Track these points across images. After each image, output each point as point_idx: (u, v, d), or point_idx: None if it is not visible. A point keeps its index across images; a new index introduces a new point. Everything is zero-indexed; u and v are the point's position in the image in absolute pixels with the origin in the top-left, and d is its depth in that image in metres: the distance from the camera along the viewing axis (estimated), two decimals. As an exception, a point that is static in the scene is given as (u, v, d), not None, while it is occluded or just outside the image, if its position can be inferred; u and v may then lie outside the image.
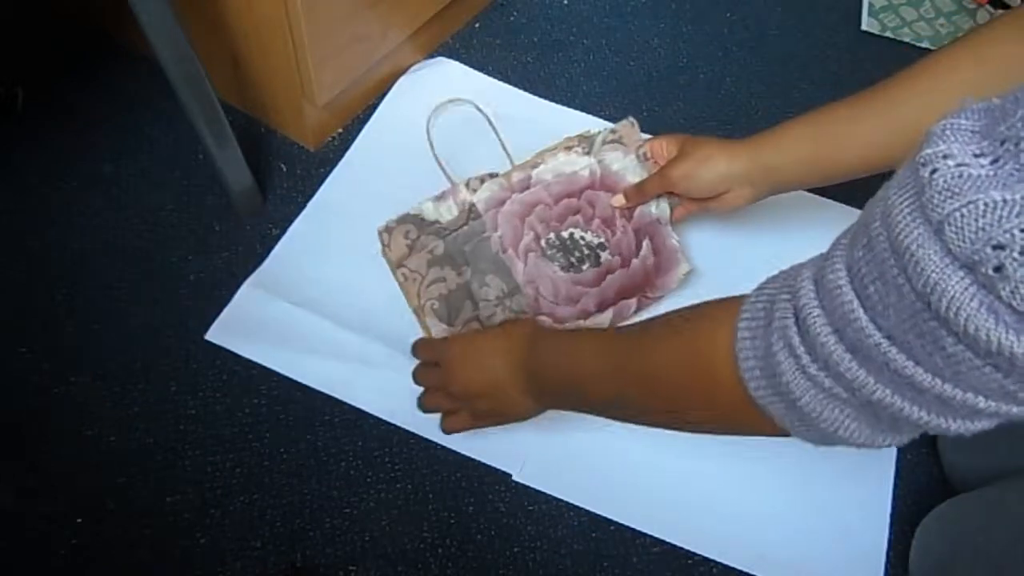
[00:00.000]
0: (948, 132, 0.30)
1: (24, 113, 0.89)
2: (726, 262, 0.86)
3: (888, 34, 1.10)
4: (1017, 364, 0.29)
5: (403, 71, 0.96)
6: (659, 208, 0.82)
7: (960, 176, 0.29)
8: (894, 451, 0.77)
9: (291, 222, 0.85)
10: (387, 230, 0.80)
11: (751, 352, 0.42)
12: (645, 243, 0.82)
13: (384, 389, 0.75)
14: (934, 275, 0.30)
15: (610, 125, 0.86)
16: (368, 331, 0.78)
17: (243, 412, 0.74)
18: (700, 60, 1.05)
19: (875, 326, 0.34)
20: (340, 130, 0.93)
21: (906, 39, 1.09)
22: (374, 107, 0.94)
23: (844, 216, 0.88)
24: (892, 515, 0.73)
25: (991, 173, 0.28)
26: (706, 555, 0.71)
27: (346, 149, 0.91)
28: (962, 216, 0.29)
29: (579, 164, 0.82)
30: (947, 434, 0.36)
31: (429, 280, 0.78)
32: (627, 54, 1.04)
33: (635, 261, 0.81)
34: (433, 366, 0.70)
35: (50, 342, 0.76)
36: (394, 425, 0.74)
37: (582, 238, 0.81)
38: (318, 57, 0.79)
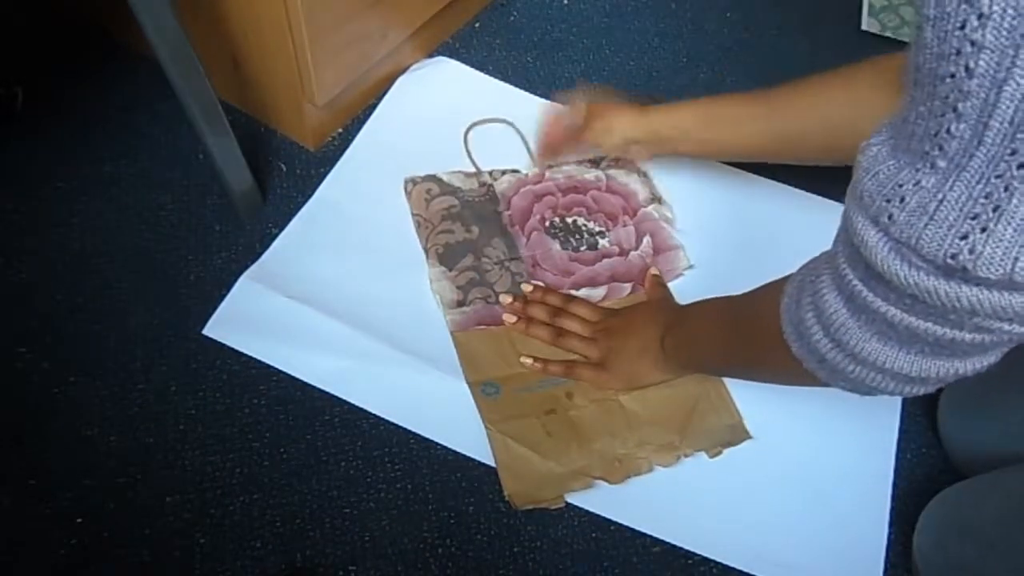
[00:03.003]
0: (873, 139, 0.40)
1: (24, 113, 0.89)
2: (726, 259, 0.86)
3: (888, 34, 1.10)
4: (921, 296, 0.39)
5: (403, 71, 0.96)
6: (660, 212, 0.88)
7: (875, 156, 0.39)
8: (893, 451, 0.77)
9: (291, 221, 0.85)
10: (412, 181, 0.87)
11: (789, 320, 0.51)
12: (646, 239, 0.86)
13: (381, 385, 0.75)
14: (860, 231, 0.40)
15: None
16: (366, 327, 0.78)
17: (243, 412, 0.74)
18: (700, 60, 1.04)
19: (860, 283, 0.43)
20: (340, 130, 0.93)
21: (906, 39, 1.09)
22: (374, 107, 0.94)
23: (838, 213, 0.89)
24: (892, 515, 0.73)
25: (888, 151, 0.39)
26: (706, 555, 0.71)
27: (346, 149, 0.91)
28: (868, 182, 0.39)
29: (588, 174, 0.91)
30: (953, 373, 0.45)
31: (439, 229, 0.84)
32: (627, 54, 1.04)
33: (633, 253, 0.86)
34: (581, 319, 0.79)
35: (50, 342, 0.76)
36: (394, 425, 0.74)
37: (584, 225, 0.87)
38: (318, 57, 0.79)
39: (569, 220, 0.87)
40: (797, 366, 0.51)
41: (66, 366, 0.75)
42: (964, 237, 0.35)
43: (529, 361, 0.77)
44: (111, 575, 0.67)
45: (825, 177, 0.97)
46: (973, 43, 0.31)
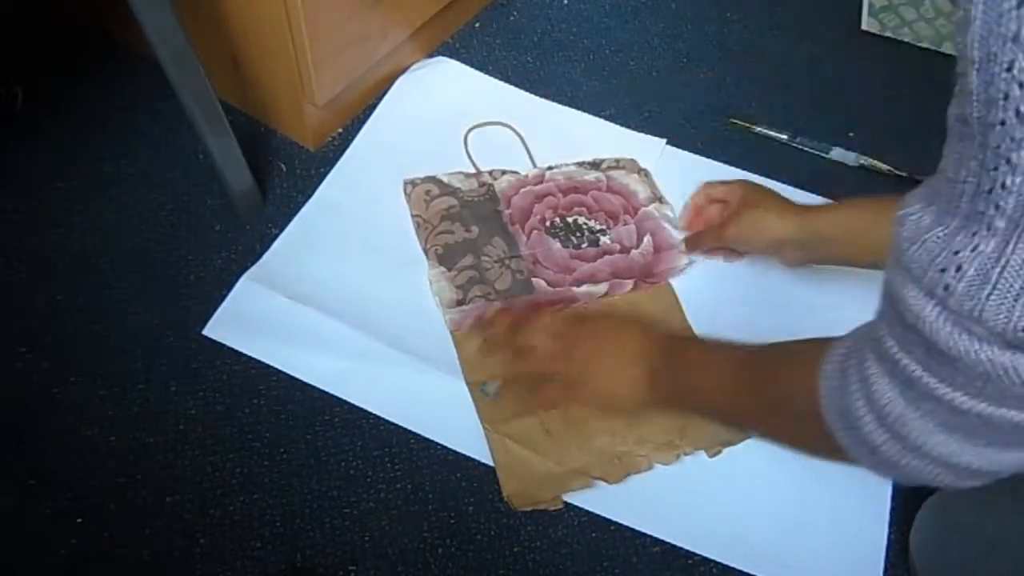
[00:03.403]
0: (908, 209, 0.37)
1: (24, 113, 0.89)
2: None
3: (888, 34, 1.10)
4: (995, 374, 0.34)
5: (403, 71, 0.96)
6: (660, 212, 0.88)
7: (916, 225, 0.36)
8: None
9: (291, 221, 0.85)
10: (411, 183, 0.87)
11: (834, 406, 0.45)
12: (647, 238, 0.86)
13: (381, 385, 0.75)
14: (914, 306, 0.36)
15: (608, 124, 0.87)
16: (366, 327, 0.78)
17: (243, 412, 0.74)
18: (700, 60, 1.04)
19: (919, 367, 0.38)
20: (340, 130, 0.93)
21: (906, 39, 1.09)
22: (374, 107, 0.94)
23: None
24: (892, 515, 0.73)
25: (933, 219, 0.35)
26: (706, 555, 0.71)
27: (346, 149, 0.91)
28: (916, 252, 0.35)
29: (589, 175, 0.91)
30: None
31: (439, 230, 0.84)
32: (627, 54, 1.04)
33: (634, 251, 0.86)
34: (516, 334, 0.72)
35: (50, 342, 0.76)
36: (394, 425, 0.74)
37: (585, 224, 0.87)
38: (318, 57, 0.79)
39: (570, 219, 0.87)
40: (838, 450, 0.46)
41: (66, 366, 0.75)
42: None
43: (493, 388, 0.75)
44: (111, 575, 0.67)
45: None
46: (1023, 85, 0.29)
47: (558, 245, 0.85)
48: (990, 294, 0.32)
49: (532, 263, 0.84)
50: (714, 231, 0.80)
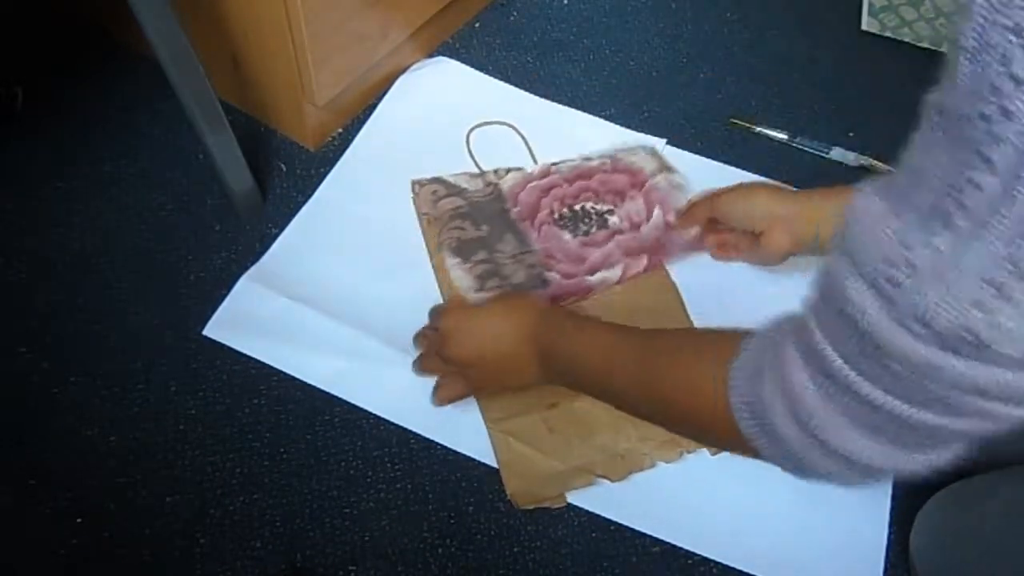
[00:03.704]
0: (860, 196, 0.36)
1: (24, 113, 0.89)
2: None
3: (888, 34, 1.10)
4: (926, 374, 0.34)
5: (403, 71, 0.96)
6: (669, 181, 0.88)
7: (868, 214, 0.34)
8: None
9: (291, 221, 0.85)
10: (419, 183, 0.87)
11: (742, 395, 0.45)
12: (656, 211, 0.87)
13: (381, 385, 0.75)
14: (854, 297, 0.35)
15: (608, 124, 0.87)
16: (366, 327, 0.78)
17: (243, 412, 0.74)
18: (700, 60, 1.04)
19: (843, 361, 0.38)
20: (340, 130, 0.93)
21: (906, 39, 1.09)
22: (374, 107, 0.94)
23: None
24: (892, 515, 0.73)
25: (887, 210, 0.34)
26: (706, 555, 0.71)
27: (346, 149, 0.91)
28: (863, 239, 0.34)
29: (594, 160, 0.91)
30: (913, 469, 0.40)
31: (450, 227, 0.85)
32: (627, 54, 1.04)
33: (645, 226, 0.86)
34: (434, 331, 0.73)
35: (50, 342, 0.76)
36: (394, 425, 0.74)
37: (592, 208, 0.87)
38: (318, 57, 0.79)
39: (577, 207, 0.87)
40: (738, 440, 0.46)
41: (66, 366, 0.75)
42: (983, 308, 0.30)
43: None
44: (111, 575, 0.67)
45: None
46: (1016, 80, 0.27)
47: (568, 235, 0.85)
48: (944, 296, 0.31)
49: (545, 257, 0.84)
50: (707, 200, 0.80)
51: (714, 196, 0.79)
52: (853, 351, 0.37)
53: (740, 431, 0.45)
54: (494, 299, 0.75)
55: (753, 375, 0.44)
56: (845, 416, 0.39)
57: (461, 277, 0.81)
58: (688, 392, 0.51)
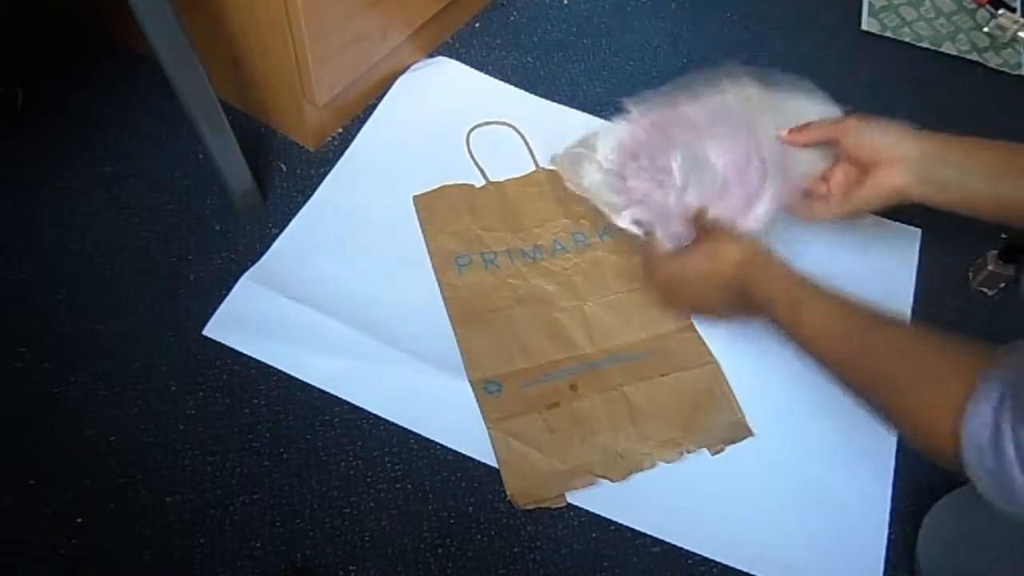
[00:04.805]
0: None
1: (24, 113, 0.89)
2: None
3: (888, 34, 1.10)
4: None
5: (403, 71, 0.96)
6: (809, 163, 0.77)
7: None
8: (893, 451, 0.76)
9: (291, 222, 0.85)
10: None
11: (976, 442, 0.45)
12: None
13: (381, 385, 0.75)
14: None
15: (608, 122, 0.86)
16: (366, 327, 0.78)
17: (243, 412, 0.74)
18: (700, 60, 1.04)
19: None
20: (340, 130, 0.93)
21: (906, 39, 1.09)
22: (374, 107, 0.94)
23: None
24: (892, 515, 0.73)
25: None
26: (706, 555, 0.71)
27: (346, 149, 0.91)
28: None
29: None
30: None
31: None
32: (627, 54, 1.04)
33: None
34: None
35: (50, 342, 0.76)
36: (394, 425, 0.74)
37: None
38: (318, 57, 0.79)
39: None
40: (953, 463, 0.47)
41: (66, 366, 0.75)
42: None
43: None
44: (111, 575, 0.67)
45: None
46: None
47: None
48: None
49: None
50: (832, 120, 0.74)
51: (843, 119, 0.74)
52: None
53: (962, 463, 0.46)
54: (698, 249, 0.72)
55: (992, 424, 0.44)
56: None
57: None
58: (918, 405, 0.51)
